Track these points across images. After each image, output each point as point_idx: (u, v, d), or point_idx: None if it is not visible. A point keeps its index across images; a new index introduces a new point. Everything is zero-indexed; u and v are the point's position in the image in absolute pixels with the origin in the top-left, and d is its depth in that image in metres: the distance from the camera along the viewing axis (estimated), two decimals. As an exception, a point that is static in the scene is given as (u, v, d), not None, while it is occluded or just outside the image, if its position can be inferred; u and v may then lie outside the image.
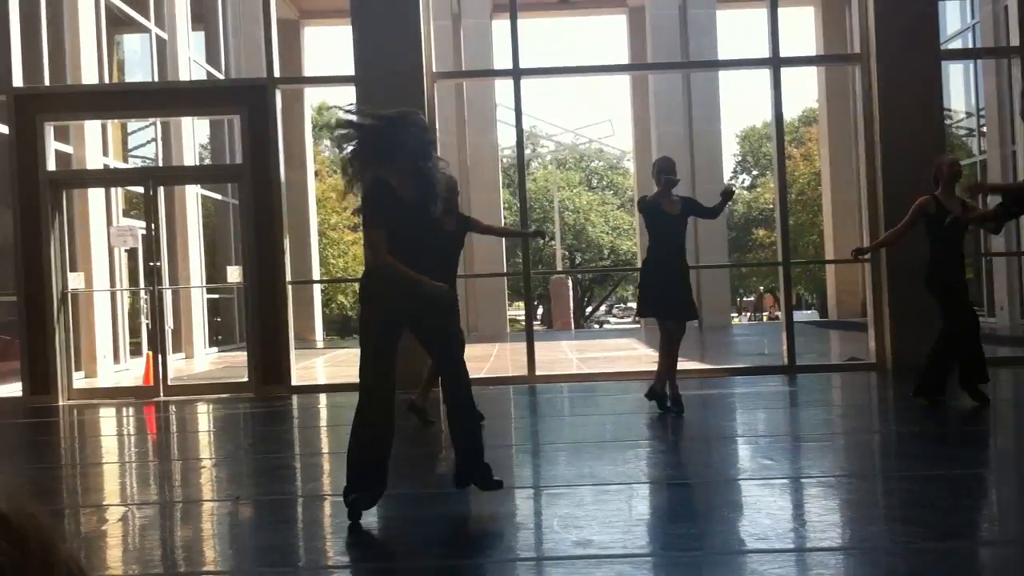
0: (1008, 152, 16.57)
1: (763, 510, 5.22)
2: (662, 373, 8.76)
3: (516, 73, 12.30)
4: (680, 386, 8.83)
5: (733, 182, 9.36)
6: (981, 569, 4.23)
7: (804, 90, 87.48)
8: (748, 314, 46.11)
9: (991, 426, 8.21)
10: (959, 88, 20.07)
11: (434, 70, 12.15)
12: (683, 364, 14.87)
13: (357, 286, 5.60)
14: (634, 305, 54.33)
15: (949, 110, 18.66)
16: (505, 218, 31.92)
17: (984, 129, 18.85)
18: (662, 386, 8.75)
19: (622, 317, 52.88)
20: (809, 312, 38.95)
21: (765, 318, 41.58)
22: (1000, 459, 6.75)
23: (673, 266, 8.58)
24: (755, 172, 49.76)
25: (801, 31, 77.74)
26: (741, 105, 78.69)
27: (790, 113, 45.99)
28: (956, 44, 19.48)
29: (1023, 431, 8.06)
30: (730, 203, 8.90)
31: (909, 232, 8.64)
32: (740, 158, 50.84)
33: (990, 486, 5.79)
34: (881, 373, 11.44)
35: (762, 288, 46.10)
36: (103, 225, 15.49)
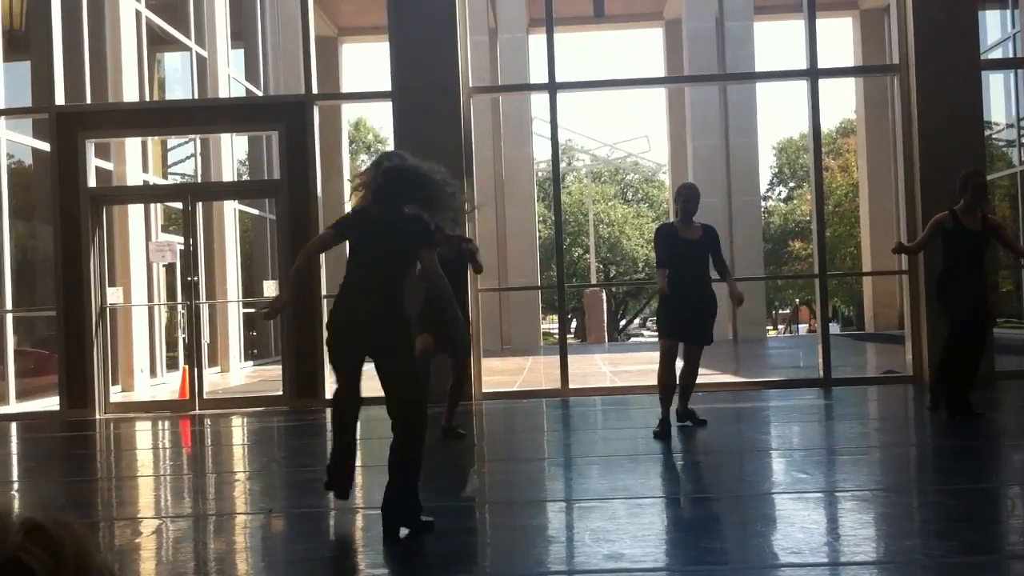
0: (1049, 162, 16.38)
1: (797, 524, 5.17)
2: (682, 390, 8.72)
3: (552, 87, 12.31)
4: (715, 399, 8.84)
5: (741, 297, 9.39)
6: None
7: (842, 101, 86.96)
8: (783, 327, 45.76)
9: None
10: (999, 98, 19.85)
11: (470, 85, 12.19)
12: (718, 377, 14.83)
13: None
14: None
15: (989, 121, 18.46)
16: (540, 231, 31.95)
17: (1024, 140, 18.64)
18: (682, 405, 8.74)
19: (656, 331, 52.67)
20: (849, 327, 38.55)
21: (805, 329, 41.23)
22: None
23: (692, 289, 8.30)
24: (791, 184, 49.44)
25: (839, 42, 77.42)
26: (778, 117, 78.35)
27: (827, 124, 45.62)
28: (996, 53, 19.28)
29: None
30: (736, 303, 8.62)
31: (927, 247, 8.89)
32: (776, 170, 50.54)
33: (1029, 501, 5.70)
34: (918, 386, 11.30)
35: (798, 300, 45.74)
36: (142, 240, 15.66)
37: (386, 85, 11.97)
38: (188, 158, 19.84)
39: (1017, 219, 19.27)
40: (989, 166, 14.07)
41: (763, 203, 37.79)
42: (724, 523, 5.31)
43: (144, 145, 16.23)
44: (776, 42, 66.85)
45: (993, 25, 19.65)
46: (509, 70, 26.80)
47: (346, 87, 28.48)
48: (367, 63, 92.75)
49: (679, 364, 8.57)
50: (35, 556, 0.89)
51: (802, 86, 12.50)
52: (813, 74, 12.19)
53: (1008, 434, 8.46)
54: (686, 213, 8.48)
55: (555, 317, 40.05)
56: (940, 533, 4.91)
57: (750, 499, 5.89)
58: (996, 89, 19.46)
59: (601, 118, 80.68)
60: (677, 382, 8.54)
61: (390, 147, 43.07)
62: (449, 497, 6.32)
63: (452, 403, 8.64)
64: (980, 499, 5.60)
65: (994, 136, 20.15)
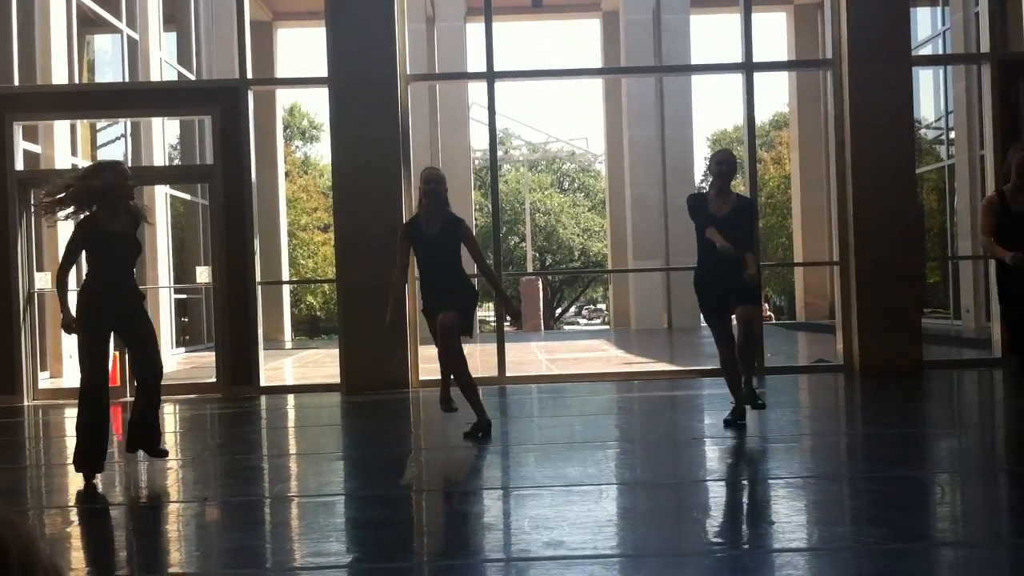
0: (976, 156, 16.71)
1: (732, 511, 5.24)
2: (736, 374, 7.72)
3: (490, 76, 12.28)
4: (650, 388, 8.85)
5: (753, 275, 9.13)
6: (945, 570, 4.26)
7: (776, 94, 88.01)
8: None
9: (958, 427, 8.29)
10: (929, 93, 20.25)
11: (408, 72, 12.12)
12: (653, 366, 14.97)
13: (325, 287, 5.83)
14: (603, 307, 53.73)
15: (919, 118, 18.82)
16: (476, 220, 31.92)
17: (953, 135, 19.03)
18: (745, 386, 7.69)
19: (592, 319, 52.98)
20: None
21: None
22: (965, 460, 6.80)
23: (723, 267, 7.42)
24: (707, 169, 49.97)
25: (773, 36, 78.46)
26: (713, 109, 79.09)
27: (761, 117, 46.16)
28: (927, 50, 19.66)
29: (988, 432, 8.13)
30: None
31: (994, 232, 7.75)
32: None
33: (956, 487, 5.84)
34: (848, 375, 11.51)
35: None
36: (71, 225, 15.32)
37: (322, 71, 11.85)
38: (118, 139, 19.47)
39: (945, 211, 19.70)
40: (918, 161, 14.35)
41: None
42: (661, 511, 5.36)
43: (73, 128, 15.90)
44: (712, 35, 67.47)
45: (924, 22, 20.03)
46: (446, 58, 26.71)
47: (281, 72, 28.16)
48: (302, 49, 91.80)
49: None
50: None
51: (736, 79, 12.63)
52: (748, 67, 12.31)
53: (937, 423, 8.65)
54: (719, 179, 7.69)
55: (491, 305, 40.08)
56: (872, 520, 5.00)
57: (686, 486, 5.95)
58: (926, 85, 19.84)
59: (538, 108, 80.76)
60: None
61: (325, 133, 42.32)
62: (386, 485, 6.30)
63: (445, 380, 7.82)
64: (911, 487, 5.72)
65: (924, 131, 20.55)
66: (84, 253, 6.61)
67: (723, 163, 7.75)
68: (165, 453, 6.93)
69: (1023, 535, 4.67)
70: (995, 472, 6.37)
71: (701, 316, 8.06)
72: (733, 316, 7.71)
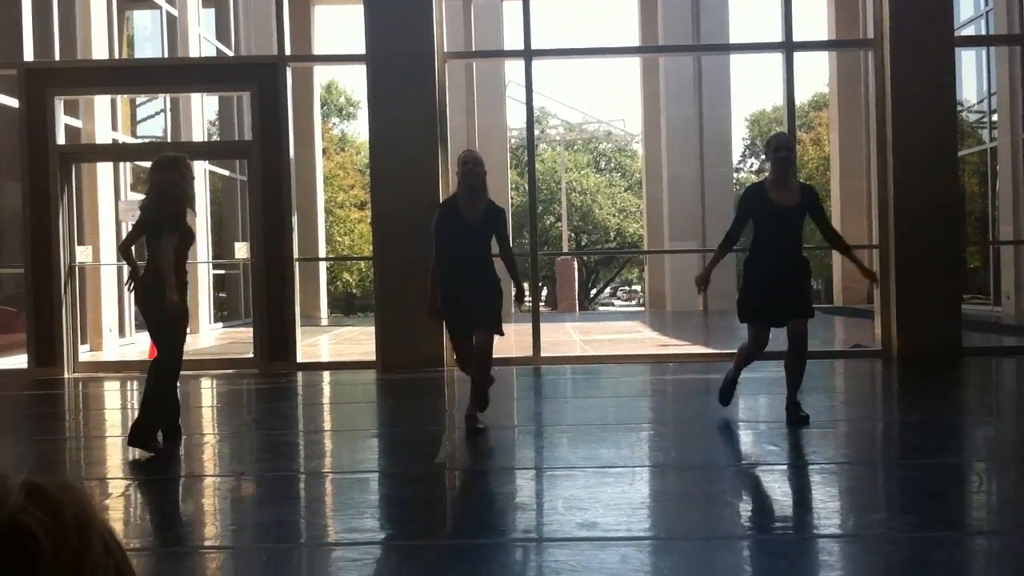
0: (1019, 139, 16.50)
1: (766, 496, 5.23)
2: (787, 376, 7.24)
3: (528, 54, 12.24)
4: (685, 371, 8.79)
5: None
6: (978, 559, 4.24)
7: (815, 74, 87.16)
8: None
9: (995, 415, 8.21)
10: (971, 75, 19.97)
11: (445, 50, 12.11)
12: (689, 348, 14.93)
13: (361, 264, 5.88)
14: (638, 288, 53.42)
15: (961, 99, 18.57)
16: (512, 199, 31.89)
17: (995, 117, 18.76)
18: (790, 400, 7.20)
19: (627, 300, 52.88)
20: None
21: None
22: (1001, 449, 6.74)
23: (782, 268, 7.04)
24: (763, 156, 49.64)
25: (813, 15, 77.57)
26: (751, 89, 78.43)
27: (800, 97, 45.71)
28: (969, 31, 19.37)
29: (1027, 421, 8.05)
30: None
31: None
32: (749, 141, 50.71)
33: (991, 476, 5.79)
34: (886, 361, 11.42)
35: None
36: (111, 199, 15.50)
37: (360, 48, 11.87)
38: (157, 114, 19.61)
39: (987, 195, 19.45)
40: (960, 143, 14.17)
41: (735, 174, 37.86)
42: (695, 494, 5.35)
43: (113, 103, 16.03)
44: (749, 14, 66.90)
45: (967, 2, 19.72)
46: (483, 36, 26.63)
47: (318, 49, 28.20)
48: (340, 26, 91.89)
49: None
50: (35, 518, 0.89)
51: (775, 59, 12.51)
52: (788, 47, 12.19)
53: (974, 411, 8.57)
54: (779, 166, 7.11)
55: (527, 285, 40.06)
56: (905, 507, 4.97)
57: (720, 470, 5.94)
58: (968, 66, 19.56)
59: (575, 87, 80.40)
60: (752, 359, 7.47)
61: (363, 111, 42.20)
62: (420, 463, 6.33)
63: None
64: (946, 474, 5.68)
65: (966, 112, 20.28)
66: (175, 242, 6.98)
67: (781, 149, 7.16)
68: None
69: (1061, 525, 4.63)
70: (1033, 461, 6.31)
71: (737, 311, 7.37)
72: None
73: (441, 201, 7.46)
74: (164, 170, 6.93)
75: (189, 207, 7.02)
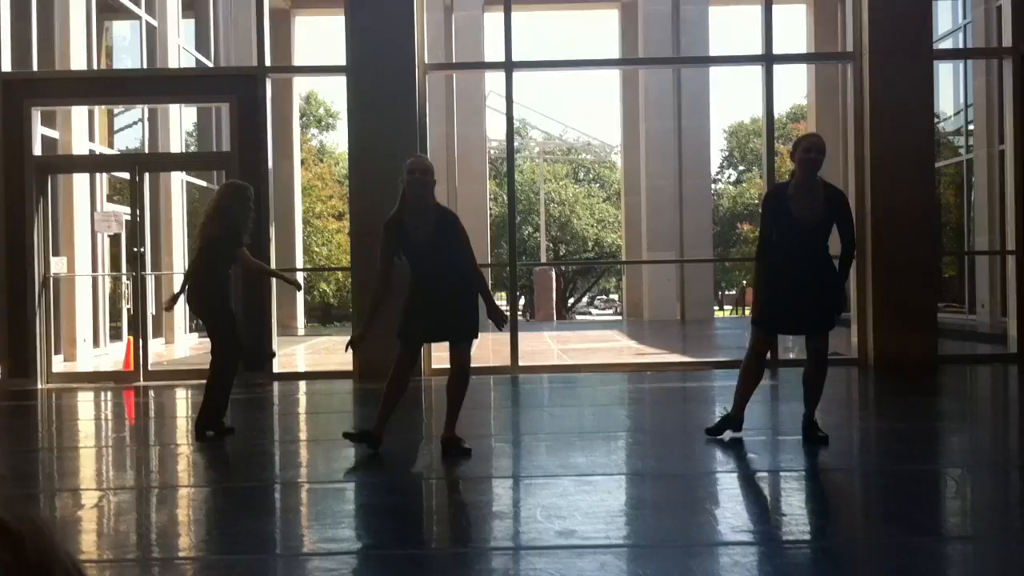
0: (995, 152, 16.60)
1: (745, 503, 5.21)
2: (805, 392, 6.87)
3: (508, 66, 12.24)
4: (664, 379, 8.77)
5: None
6: (956, 565, 4.23)
7: (794, 87, 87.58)
8: (730, 308, 46.23)
9: (971, 423, 8.24)
10: (948, 87, 20.11)
11: (426, 62, 12.10)
12: (667, 357, 14.93)
13: (339, 275, 5.84)
14: (616, 297, 53.47)
15: (938, 113, 18.70)
16: (491, 209, 31.90)
17: (972, 128, 18.90)
18: (806, 418, 6.77)
19: (604, 309, 52.92)
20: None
21: (747, 312, 41.67)
22: (978, 456, 6.76)
23: (804, 277, 6.53)
24: (741, 167, 49.86)
25: (792, 28, 78.08)
26: (730, 101, 78.79)
27: (779, 109, 46.00)
28: (947, 44, 19.51)
29: (1002, 428, 8.08)
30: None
31: None
32: (727, 153, 50.95)
33: (968, 483, 5.79)
34: (863, 369, 11.46)
35: (745, 282, 46.19)
36: (87, 210, 15.38)
37: (340, 59, 11.84)
38: (135, 123, 19.50)
39: (963, 206, 19.58)
40: (937, 155, 14.26)
41: (713, 186, 38.01)
42: (674, 502, 5.33)
43: (91, 114, 15.94)
44: (730, 27, 67.21)
45: (945, 16, 19.88)
46: (464, 48, 26.65)
47: (298, 61, 28.14)
48: (321, 37, 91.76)
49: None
50: None
51: (753, 71, 12.59)
52: (768, 59, 12.24)
53: (951, 418, 8.60)
54: (803, 168, 6.52)
55: (504, 295, 40.09)
56: (883, 514, 4.98)
57: (699, 478, 5.93)
58: (945, 79, 19.70)
59: (555, 98, 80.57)
60: (758, 379, 6.99)
61: (342, 121, 42.18)
62: (397, 473, 6.29)
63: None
64: (923, 481, 5.68)
65: (943, 125, 20.42)
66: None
67: (811, 150, 6.49)
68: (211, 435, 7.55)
69: (1038, 531, 4.63)
70: (1007, 467, 6.33)
71: (752, 319, 6.93)
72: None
73: (385, 221, 6.60)
74: (230, 197, 7.80)
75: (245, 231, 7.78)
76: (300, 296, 26.33)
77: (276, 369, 11.75)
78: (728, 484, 5.73)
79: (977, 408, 9.46)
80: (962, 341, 15.41)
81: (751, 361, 6.89)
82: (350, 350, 7.50)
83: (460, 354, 6.58)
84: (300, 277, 25.73)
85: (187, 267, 8.81)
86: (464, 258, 6.48)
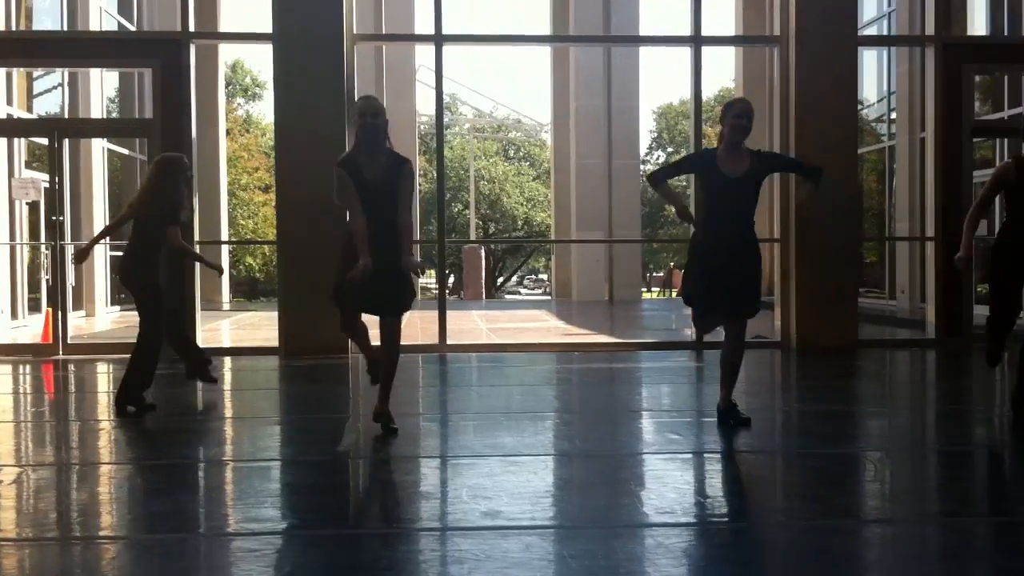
0: (916, 139, 16.95)
1: (668, 484, 5.27)
2: (723, 372, 6.90)
3: (438, 39, 12.16)
4: (590, 360, 8.81)
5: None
6: (874, 547, 4.33)
7: (721, 70, 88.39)
8: (657, 289, 46.65)
9: (890, 407, 8.42)
10: (872, 75, 20.45)
11: (355, 32, 11.96)
12: (593, 338, 15.03)
13: (265, 248, 5.74)
14: (545, 277, 53.72)
15: (862, 100, 19.01)
16: (421, 186, 31.73)
17: (894, 116, 19.25)
18: (723, 400, 6.86)
19: (533, 288, 53.10)
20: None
21: (675, 294, 42.12)
22: (896, 439, 6.92)
23: (730, 243, 6.56)
24: (670, 149, 50.24)
25: (721, 11, 78.67)
26: (660, 82, 79.26)
27: (707, 92, 46.32)
28: (872, 31, 19.83)
29: (921, 412, 8.28)
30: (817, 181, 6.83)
31: (989, 205, 7.12)
32: (656, 134, 51.27)
33: (886, 465, 5.92)
34: (785, 351, 11.65)
35: (672, 264, 46.64)
36: (4, 177, 14.97)
37: (267, 27, 11.65)
38: (55, 87, 19.02)
39: (884, 192, 19.96)
40: (859, 141, 14.50)
41: (642, 167, 38.25)
42: (599, 482, 5.37)
43: (9, 77, 15.49)
44: (659, 8, 67.45)
45: (870, 3, 20.19)
46: (393, 19, 26.40)
47: (224, 27, 27.62)
48: (246, 4, 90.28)
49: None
50: None
51: (682, 53, 12.67)
52: (697, 41, 12.32)
53: (869, 401, 8.79)
54: (734, 132, 6.59)
55: (433, 272, 39.97)
56: (803, 495, 5.07)
57: (624, 458, 5.98)
58: (869, 66, 20.03)
59: (486, 74, 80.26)
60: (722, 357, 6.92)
61: (269, 91, 41.60)
62: (323, 451, 6.25)
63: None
64: (843, 463, 5.80)
65: (866, 111, 20.78)
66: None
67: (743, 116, 6.57)
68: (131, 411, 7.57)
69: (951, 514, 4.75)
70: (925, 451, 6.49)
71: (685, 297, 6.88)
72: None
73: (339, 160, 6.53)
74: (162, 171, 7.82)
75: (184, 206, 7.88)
76: (226, 270, 25.96)
77: (200, 344, 11.57)
78: (653, 465, 5.79)
79: (896, 392, 9.68)
80: (882, 326, 15.75)
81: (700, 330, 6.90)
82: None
83: (389, 328, 6.50)
84: (224, 251, 25.36)
85: (105, 229, 8.88)
86: (398, 207, 6.40)
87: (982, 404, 8.28)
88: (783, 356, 11.40)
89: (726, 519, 4.71)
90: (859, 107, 16.21)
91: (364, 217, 6.27)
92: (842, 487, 5.26)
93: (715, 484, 5.51)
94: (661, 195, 7.16)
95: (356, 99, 6.85)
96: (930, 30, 12.50)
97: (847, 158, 11.78)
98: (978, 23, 17.35)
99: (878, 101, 20.82)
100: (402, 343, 6.66)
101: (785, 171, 6.73)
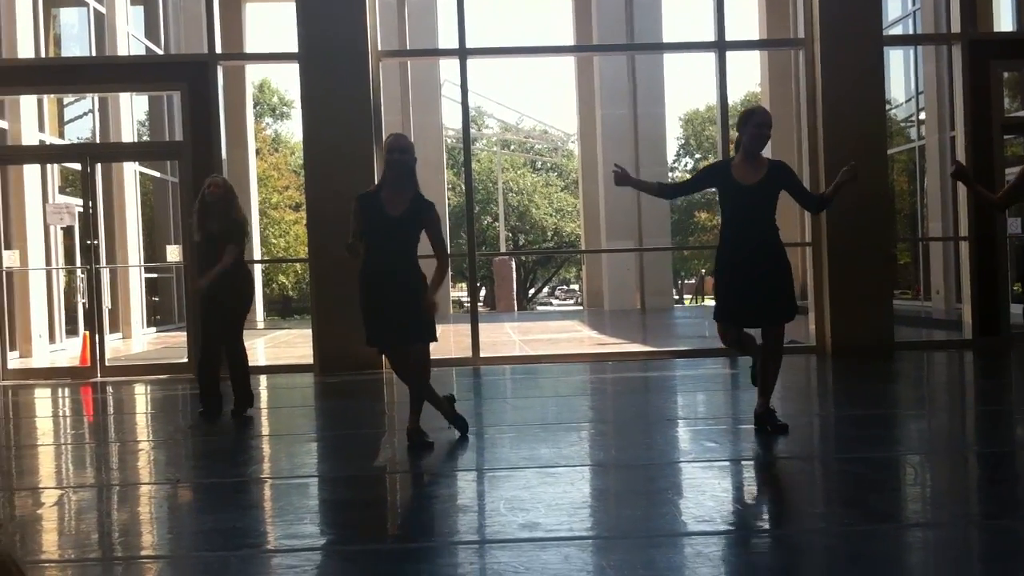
0: (946, 138, 16.81)
1: (707, 492, 5.25)
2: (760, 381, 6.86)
3: (462, 53, 12.21)
4: (624, 368, 8.80)
5: (852, 165, 8.67)
6: (915, 551, 4.29)
7: (746, 74, 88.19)
8: (689, 297, 46.50)
9: (928, 409, 8.35)
10: (899, 74, 20.32)
11: (379, 48, 12.04)
12: (626, 347, 14.99)
13: (297, 266, 5.80)
14: (576, 287, 53.68)
15: (890, 100, 18.89)
16: (449, 199, 31.83)
17: (923, 115, 19.11)
18: (760, 406, 6.80)
19: (565, 299, 53.05)
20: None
21: (708, 300, 41.98)
22: (935, 442, 6.86)
23: (751, 250, 6.51)
24: (697, 155, 50.12)
25: (745, 15, 78.37)
26: (685, 88, 79.07)
27: (733, 96, 46.16)
28: (897, 30, 19.70)
29: (959, 413, 8.20)
30: (845, 185, 6.70)
31: (1008, 199, 6.97)
32: (683, 141, 51.14)
33: (926, 469, 5.88)
34: (820, 356, 11.58)
35: (703, 271, 46.49)
36: (39, 202, 15.16)
37: (292, 47, 11.75)
38: (86, 114, 19.23)
39: (916, 192, 19.81)
40: (889, 141, 14.41)
41: (670, 174, 38.20)
42: (636, 492, 5.36)
43: (40, 103, 15.69)
44: (684, 14, 67.43)
45: (895, 2, 20.07)
46: (417, 34, 26.54)
47: (250, 48, 27.87)
48: (272, 24, 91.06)
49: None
50: None
51: (708, 58, 12.62)
52: (721, 46, 12.31)
53: (908, 404, 8.72)
54: (754, 142, 6.57)
55: (465, 285, 40.02)
56: (843, 501, 5.04)
57: (661, 467, 5.96)
58: (896, 66, 19.90)
59: (511, 86, 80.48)
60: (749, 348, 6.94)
61: (296, 110, 41.66)
62: (360, 467, 6.27)
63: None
64: (882, 468, 5.75)
65: (894, 111, 20.64)
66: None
67: (764, 126, 6.55)
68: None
69: (992, 516, 4.71)
70: (965, 453, 6.43)
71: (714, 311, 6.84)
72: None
73: (359, 194, 6.75)
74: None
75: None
76: (259, 289, 26.12)
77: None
78: (690, 473, 5.77)
79: (934, 394, 9.59)
80: (917, 328, 15.62)
81: (726, 344, 6.97)
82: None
83: (415, 356, 6.59)
84: (257, 270, 25.48)
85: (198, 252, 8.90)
86: (435, 247, 6.79)
87: (1022, 404, 8.19)
88: (818, 361, 11.33)
89: (766, 526, 4.69)
90: (887, 107, 16.11)
91: (354, 253, 6.71)
92: (882, 491, 5.21)
93: (753, 491, 5.48)
94: (652, 189, 7.26)
95: (385, 136, 6.98)
96: (956, 27, 12.42)
97: (876, 158, 11.71)
98: (1004, 19, 17.21)
99: (906, 101, 20.67)
100: (435, 357, 6.68)
101: (793, 195, 6.71)
